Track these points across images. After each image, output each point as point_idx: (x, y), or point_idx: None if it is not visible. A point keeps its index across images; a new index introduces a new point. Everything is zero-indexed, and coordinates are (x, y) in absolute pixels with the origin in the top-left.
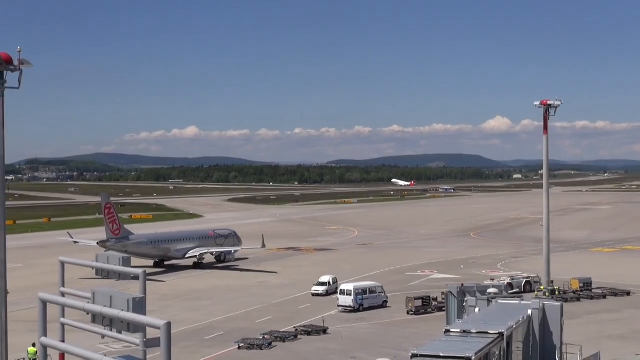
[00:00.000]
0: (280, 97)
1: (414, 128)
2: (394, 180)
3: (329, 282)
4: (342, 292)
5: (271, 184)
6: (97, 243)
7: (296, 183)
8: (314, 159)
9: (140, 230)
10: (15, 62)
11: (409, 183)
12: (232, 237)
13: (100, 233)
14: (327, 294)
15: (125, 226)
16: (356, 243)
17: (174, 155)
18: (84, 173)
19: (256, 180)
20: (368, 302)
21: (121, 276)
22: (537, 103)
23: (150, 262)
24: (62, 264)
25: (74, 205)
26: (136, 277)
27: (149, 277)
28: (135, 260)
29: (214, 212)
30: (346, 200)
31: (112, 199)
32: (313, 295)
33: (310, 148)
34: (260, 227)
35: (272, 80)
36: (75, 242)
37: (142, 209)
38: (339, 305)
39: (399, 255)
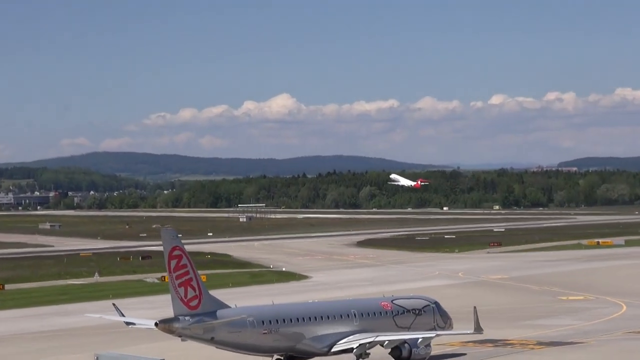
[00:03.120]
0: (458, 36)
1: None
2: (392, 176)
3: None
4: None
5: (445, 208)
6: (157, 324)
7: (497, 207)
8: (531, 156)
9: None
10: None
11: (413, 183)
12: (430, 313)
13: (146, 308)
14: None
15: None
16: (624, 329)
17: (248, 155)
18: (69, 192)
19: (414, 201)
20: None
21: None
22: None
23: None
24: None
25: (50, 257)
26: None
27: None
28: (234, 357)
29: (330, 269)
30: (601, 241)
31: (125, 244)
32: None
33: (523, 134)
34: (428, 295)
35: (440, 6)
36: (128, 324)
37: None
38: None
39: None
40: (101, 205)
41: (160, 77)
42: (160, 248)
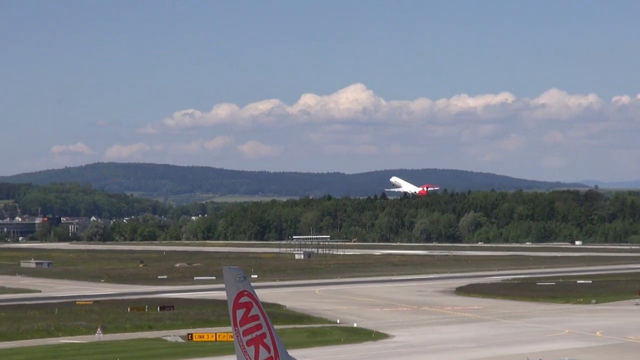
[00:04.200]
0: (592, 6)
1: None
2: (393, 179)
3: None
4: None
5: (578, 243)
6: None
7: None
8: None
9: None
10: None
11: (418, 189)
12: None
13: None
14: None
15: None
16: None
17: (306, 167)
18: (62, 218)
19: (535, 232)
20: None
21: None
22: None
23: None
24: None
25: (36, 307)
26: None
27: None
28: None
29: (419, 325)
30: None
31: (137, 290)
32: None
33: None
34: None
35: None
36: None
37: (221, 318)
38: None
39: None
40: (106, 236)
41: (187, 62)
42: (187, 295)
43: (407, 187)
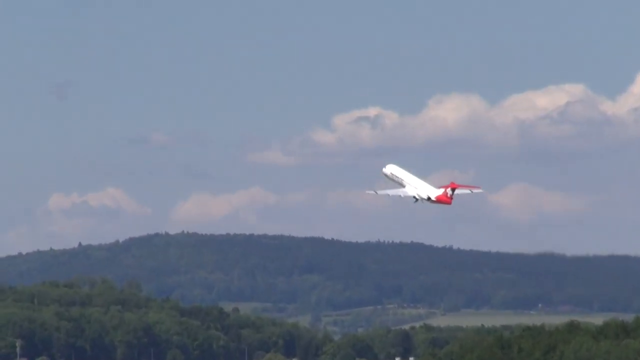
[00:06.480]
0: None
1: None
2: (389, 170)
3: None
4: None
5: None
6: None
7: None
8: None
9: None
10: None
11: (437, 191)
12: None
13: None
14: None
15: None
16: None
17: None
18: None
19: None
20: None
21: None
22: None
23: None
24: None
25: None
26: None
27: None
28: None
29: None
30: None
31: None
32: None
33: None
34: None
35: None
36: None
37: None
38: None
39: None
40: None
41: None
42: None
43: (413, 188)
